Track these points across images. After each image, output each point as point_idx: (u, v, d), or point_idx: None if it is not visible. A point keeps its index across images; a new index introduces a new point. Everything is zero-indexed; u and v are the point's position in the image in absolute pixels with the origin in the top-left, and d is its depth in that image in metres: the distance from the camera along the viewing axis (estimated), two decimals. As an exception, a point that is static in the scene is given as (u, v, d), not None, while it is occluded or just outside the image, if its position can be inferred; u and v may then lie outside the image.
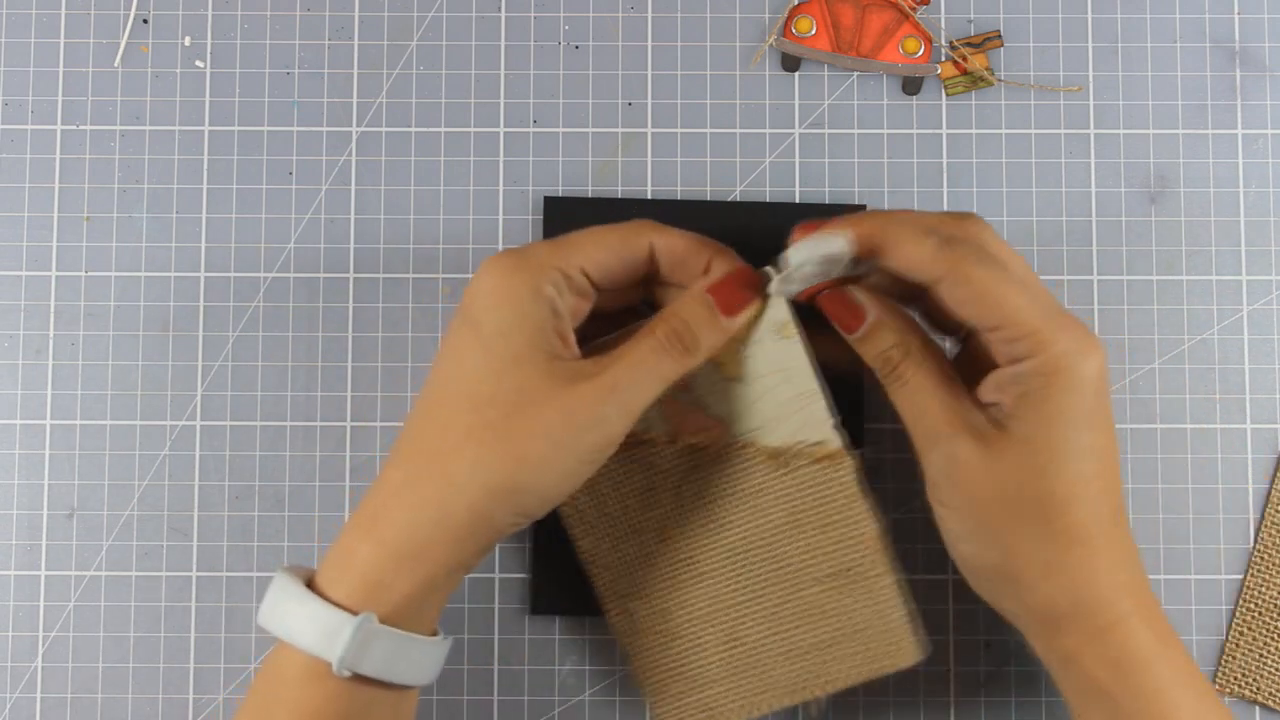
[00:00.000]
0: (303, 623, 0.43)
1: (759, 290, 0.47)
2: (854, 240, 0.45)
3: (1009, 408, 0.43)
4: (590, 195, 0.56)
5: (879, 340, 0.46)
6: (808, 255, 0.46)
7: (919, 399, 0.45)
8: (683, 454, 0.49)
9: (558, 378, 0.43)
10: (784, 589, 0.49)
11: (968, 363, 0.47)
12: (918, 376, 0.45)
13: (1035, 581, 0.43)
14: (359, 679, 0.43)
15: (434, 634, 0.46)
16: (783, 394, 0.48)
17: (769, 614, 0.49)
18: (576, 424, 0.43)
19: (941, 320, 0.47)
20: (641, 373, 0.44)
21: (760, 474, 0.49)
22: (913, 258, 0.44)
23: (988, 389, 0.45)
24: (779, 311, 0.47)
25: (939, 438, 0.44)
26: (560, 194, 0.56)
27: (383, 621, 0.43)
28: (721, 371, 0.48)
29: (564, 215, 0.56)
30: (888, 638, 0.48)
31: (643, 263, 0.47)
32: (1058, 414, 0.42)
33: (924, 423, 0.45)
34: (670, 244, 0.47)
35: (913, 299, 0.47)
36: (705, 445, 0.49)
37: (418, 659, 0.44)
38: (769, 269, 0.48)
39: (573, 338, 0.46)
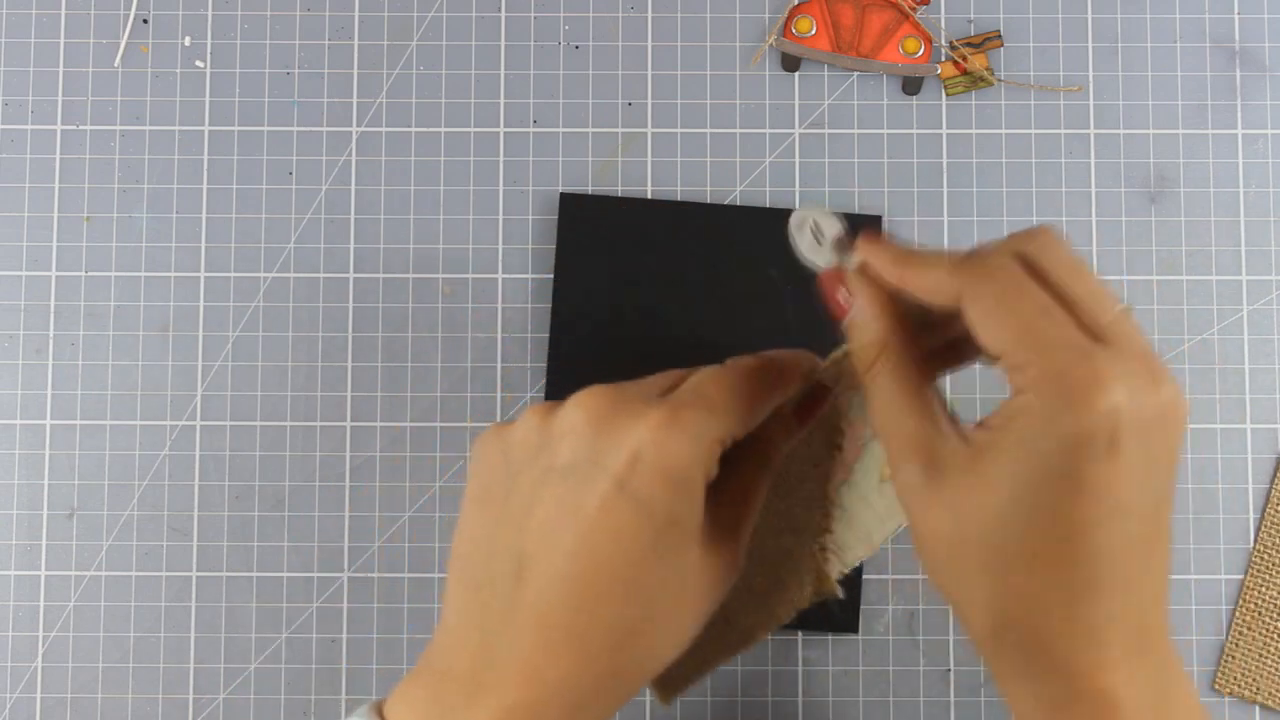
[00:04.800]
0: None
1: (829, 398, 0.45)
2: (852, 243, 0.42)
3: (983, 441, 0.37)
4: (595, 194, 0.56)
5: (859, 332, 0.40)
6: (804, 217, 0.44)
7: (888, 411, 0.39)
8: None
9: (706, 555, 0.40)
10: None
11: None
12: (889, 385, 0.39)
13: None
14: None
15: None
16: (869, 522, 0.47)
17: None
18: (715, 596, 0.41)
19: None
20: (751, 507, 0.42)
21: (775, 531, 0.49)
22: (925, 282, 0.39)
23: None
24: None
25: (898, 459, 0.39)
26: (564, 194, 0.56)
27: None
28: (882, 468, 0.48)
29: (580, 212, 0.56)
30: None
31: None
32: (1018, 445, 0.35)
33: (890, 441, 0.39)
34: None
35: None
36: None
37: None
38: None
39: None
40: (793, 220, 0.44)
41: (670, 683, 0.49)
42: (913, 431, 0.38)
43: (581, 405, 0.40)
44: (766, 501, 0.47)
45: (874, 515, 0.48)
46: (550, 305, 0.56)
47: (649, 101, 0.57)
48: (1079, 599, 0.36)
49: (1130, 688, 0.37)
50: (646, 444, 0.38)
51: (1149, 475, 0.35)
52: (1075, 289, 0.37)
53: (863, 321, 0.41)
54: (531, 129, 0.57)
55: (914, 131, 0.57)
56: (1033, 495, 0.35)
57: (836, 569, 0.48)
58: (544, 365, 0.55)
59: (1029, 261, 0.37)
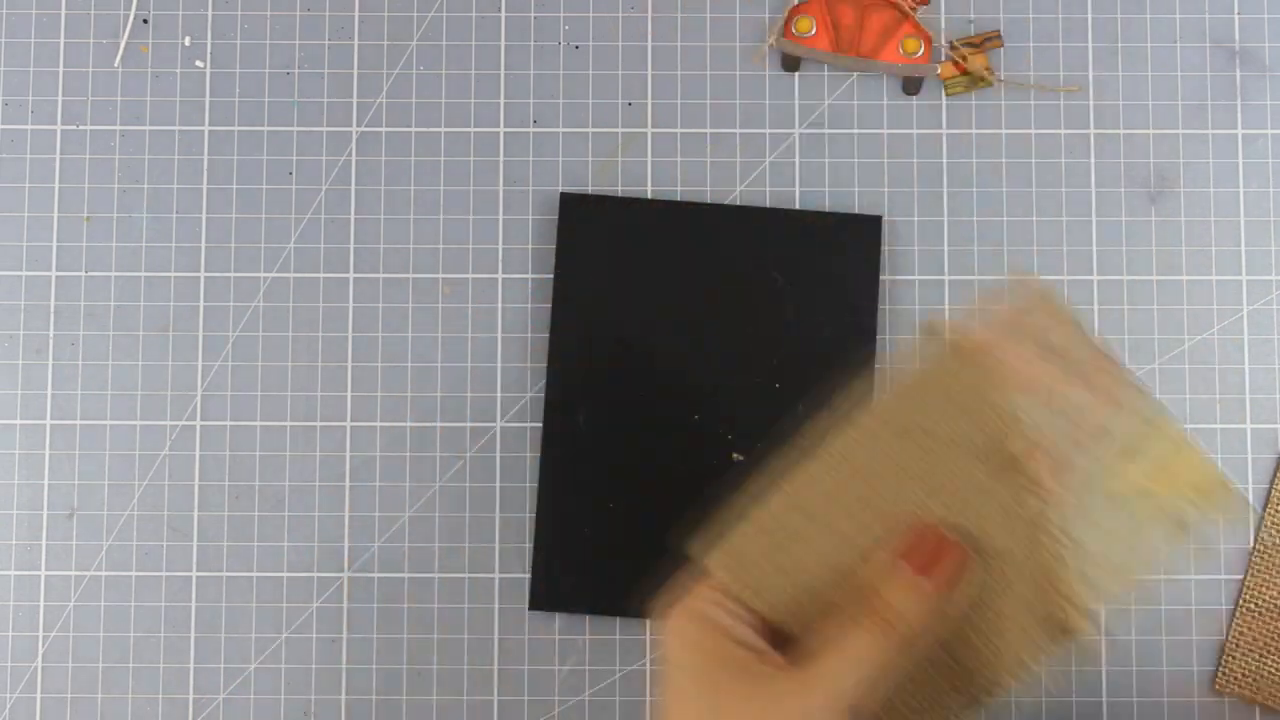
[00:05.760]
0: None
1: (970, 556, 0.43)
2: None
3: None
4: (595, 194, 0.56)
5: None
6: None
7: None
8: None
9: (761, 690, 0.41)
10: None
11: None
12: None
13: None
14: None
15: None
16: (1113, 550, 0.43)
17: None
18: None
19: None
20: (863, 673, 0.41)
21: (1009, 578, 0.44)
22: None
23: None
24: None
25: None
26: (564, 194, 0.56)
27: None
28: (1106, 484, 0.43)
29: (580, 212, 0.56)
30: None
31: None
32: None
33: None
34: None
35: None
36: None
37: None
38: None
39: (766, 647, 0.43)
40: None
41: None
42: None
43: None
44: (944, 514, 0.44)
45: (1116, 542, 0.43)
46: (550, 305, 0.56)
47: (649, 101, 0.57)
48: None
49: None
50: (663, 634, 0.44)
51: None
52: None
53: None
54: (531, 129, 0.57)
55: (914, 131, 0.57)
56: None
57: (1093, 601, 0.43)
58: (544, 365, 0.56)
59: None
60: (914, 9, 0.57)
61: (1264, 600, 0.55)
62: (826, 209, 0.56)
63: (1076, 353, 0.44)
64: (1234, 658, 0.54)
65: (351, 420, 0.56)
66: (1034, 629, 0.44)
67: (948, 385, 0.43)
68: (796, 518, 0.43)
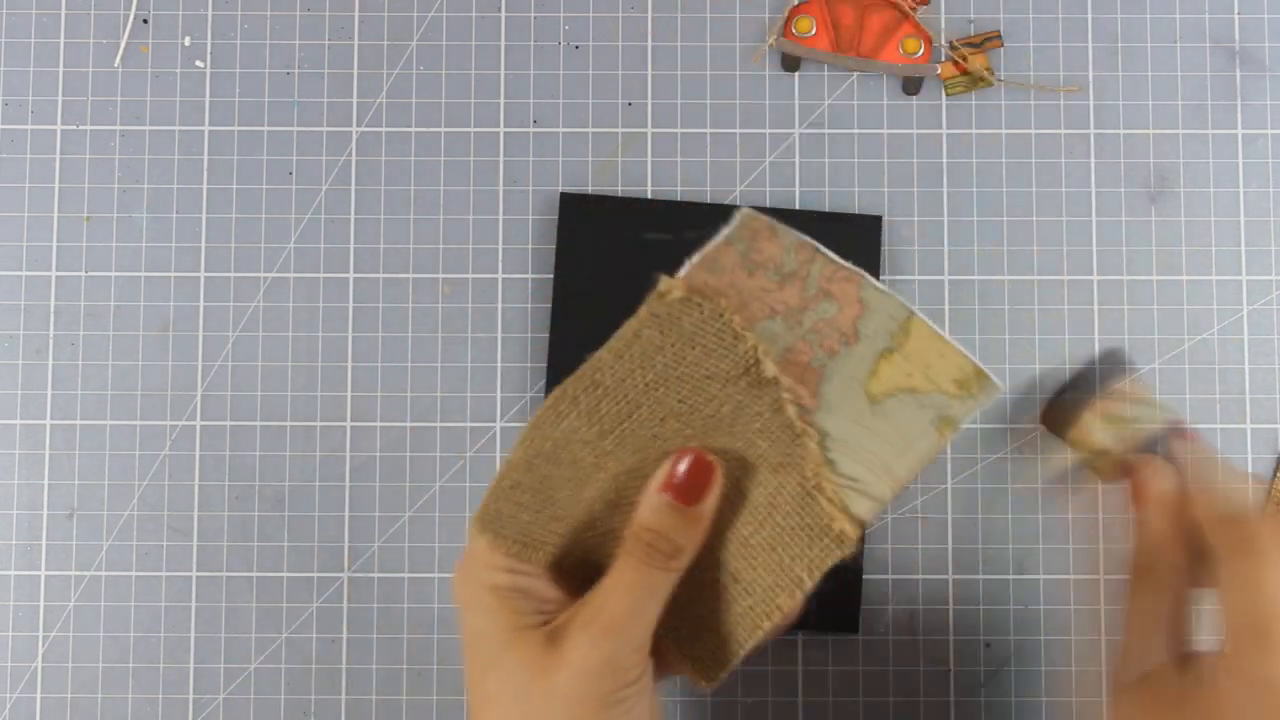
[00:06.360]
0: None
1: (714, 466, 0.44)
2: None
3: None
4: (595, 194, 0.56)
5: (1144, 532, 0.47)
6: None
7: (1143, 616, 0.46)
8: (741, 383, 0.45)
9: (552, 643, 0.42)
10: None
11: None
12: (1152, 595, 0.46)
13: None
14: None
15: None
16: (882, 452, 0.45)
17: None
18: (588, 679, 0.41)
19: None
20: (631, 599, 0.42)
21: (773, 475, 0.45)
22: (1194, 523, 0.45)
23: None
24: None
25: (1126, 656, 0.46)
26: (564, 194, 0.56)
27: None
28: (866, 386, 0.45)
29: (580, 212, 0.56)
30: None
31: None
32: None
33: (1131, 638, 0.46)
34: None
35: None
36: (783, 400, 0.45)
37: None
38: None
39: (557, 597, 0.44)
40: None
41: (701, 662, 0.46)
42: (1149, 647, 0.44)
43: None
44: (703, 437, 0.45)
45: (883, 442, 0.44)
46: (550, 305, 0.56)
47: (649, 101, 0.57)
48: None
49: None
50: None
51: None
52: None
53: (1150, 529, 0.46)
54: (531, 129, 0.57)
55: (914, 131, 0.57)
56: None
57: (862, 506, 0.44)
58: (544, 365, 0.56)
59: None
60: (914, 9, 0.57)
61: (1264, 600, 0.54)
62: (826, 209, 0.56)
63: (813, 270, 0.45)
64: (1234, 658, 0.54)
65: (351, 420, 0.56)
66: (807, 541, 0.45)
67: (690, 332, 0.45)
68: (549, 467, 0.45)
